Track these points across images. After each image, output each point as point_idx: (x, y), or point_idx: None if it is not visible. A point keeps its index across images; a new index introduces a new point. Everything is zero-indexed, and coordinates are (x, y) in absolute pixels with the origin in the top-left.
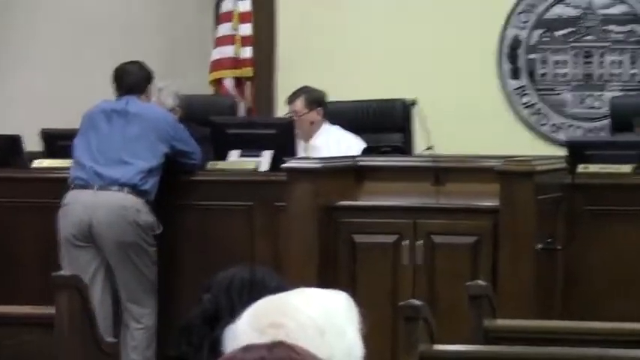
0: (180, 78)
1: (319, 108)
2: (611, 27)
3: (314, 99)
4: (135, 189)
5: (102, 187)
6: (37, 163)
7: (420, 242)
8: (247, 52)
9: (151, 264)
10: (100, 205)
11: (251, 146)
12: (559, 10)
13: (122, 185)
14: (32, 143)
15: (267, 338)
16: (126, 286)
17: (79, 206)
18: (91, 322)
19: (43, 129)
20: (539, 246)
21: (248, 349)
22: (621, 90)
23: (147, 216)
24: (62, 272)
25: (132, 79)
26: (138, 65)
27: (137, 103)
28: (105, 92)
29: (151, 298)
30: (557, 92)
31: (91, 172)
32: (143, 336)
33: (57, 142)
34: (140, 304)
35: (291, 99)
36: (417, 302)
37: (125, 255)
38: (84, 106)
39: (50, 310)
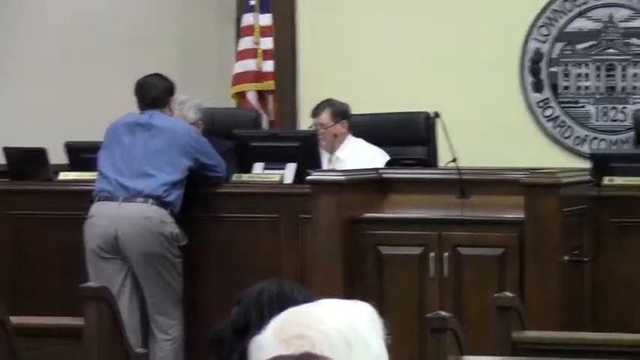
0: (201, 91)
1: (344, 120)
2: (633, 40)
3: (339, 111)
4: (159, 200)
5: (126, 198)
6: (63, 176)
7: (447, 254)
8: (269, 66)
9: (176, 275)
10: (125, 216)
11: (275, 159)
12: (580, 24)
13: (146, 197)
14: (57, 156)
15: (293, 349)
16: (152, 297)
17: (105, 218)
18: (120, 333)
19: (67, 142)
20: (566, 258)
21: None
22: None
23: (171, 227)
24: (90, 283)
25: (153, 93)
26: (158, 77)
27: (161, 117)
28: (126, 105)
29: (177, 310)
30: (580, 105)
31: (116, 184)
32: (170, 347)
33: (81, 155)
34: (167, 315)
35: (316, 111)
36: (444, 314)
37: (151, 266)
38: (106, 118)
39: (77, 321)
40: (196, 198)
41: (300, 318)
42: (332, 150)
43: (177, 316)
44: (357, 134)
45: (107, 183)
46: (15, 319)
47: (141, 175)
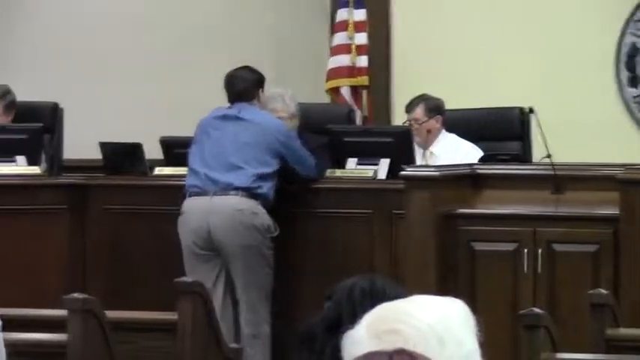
0: (295, 87)
1: (438, 116)
2: None
3: (433, 107)
4: (249, 192)
5: (217, 192)
6: (158, 171)
7: (540, 250)
8: (363, 61)
9: (268, 268)
10: (216, 210)
11: (368, 154)
12: None
13: (236, 189)
14: (153, 151)
15: (385, 344)
16: (243, 293)
17: (196, 214)
18: (214, 327)
19: (162, 137)
20: None
21: (369, 357)
22: None
23: (263, 218)
24: (184, 278)
25: (242, 85)
26: (248, 70)
27: (250, 110)
28: (219, 100)
29: (266, 307)
30: None
31: (205, 178)
32: (258, 344)
33: (175, 150)
34: (256, 312)
35: (410, 107)
36: (538, 311)
37: (243, 259)
38: (199, 114)
39: (171, 315)
40: (290, 193)
41: (393, 313)
42: (426, 145)
43: (266, 314)
44: (451, 129)
45: (197, 178)
46: (110, 314)
47: (230, 168)
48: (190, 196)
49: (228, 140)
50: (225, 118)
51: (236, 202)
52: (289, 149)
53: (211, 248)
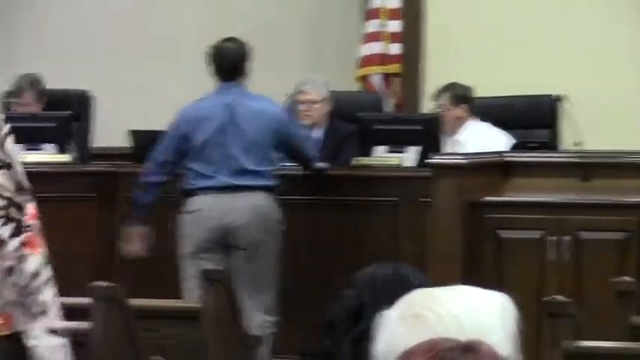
0: (325, 74)
1: (464, 104)
2: None
3: (460, 95)
4: (267, 189)
5: (235, 190)
6: None
7: (567, 238)
8: (396, 49)
9: (278, 264)
10: (238, 207)
11: (397, 142)
12: None
13: (254, 188)
14: None
15: (408, 327)
16: (257, 291)
17: (216, 211)
18: (237, 316)
19: None
20: None
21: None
22: None
23: (279, 213)
24: (209, 267)
25: (232, 59)
26: (236, 42)
27: (246, 97)
28: (251, 90)
29: (272, 308)
30: None
31: (218, 180)
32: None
33: None
34: (269, 313)
35: (437, 95)
36: (561, 298)
37: (265, 256)
38: None
39: (195, 304)
40: (319, 182)
41: (424, 298)
42: (452, 133)
43: (271, 315)
44: (483, 117)
45: (208, 179)
46: (134, 302)
47: (244, 172)
48: (202, 194)
49: (232, 140)
50: (218, 108)
51: (257, 199)
52: (291, 134)
53: (227, 246)
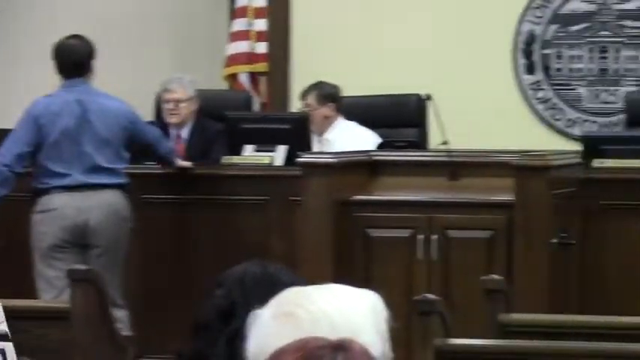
0: (192, 73)
1: (331, 103)
2: (627, 22)
3: (326, 94)
4: (121, 187)
5: (90, 189)
6: None
7: (435, 237)
8: (262, 48)
9: (124, 260)
10: (95, 205)
11: (266, 141)
12: (574, 6)
13: (108, 186)
14: None
15: (279, 326)
16: (112, 285)
17: (72, 209)
18: (107, 316)
19: None
20: (554, 240)
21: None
22: (636, 85)
23: (128, 210)
24: (77, 266)
25: (76, 57)
26: (80, 40)
27: (93, 94)
28: (118, 88)
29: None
30: (572, 87)
31: (72, 178)
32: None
33: None
34: (122, 306)
35: (304, 94)
36: (431, 297)
37: (117, 252)
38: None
39: (64, 303)
40: (185, 181)
41: (295, 296)
42: (321, 132)
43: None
44: (349, 116)
45: (62, 178)
46: (4, 302)
47: (98, 169)
48: (56, 192)
49: (85, 137)
50: (69, 104)
51: (111, 197)
52: (142, 132)
53: (82, 245)
